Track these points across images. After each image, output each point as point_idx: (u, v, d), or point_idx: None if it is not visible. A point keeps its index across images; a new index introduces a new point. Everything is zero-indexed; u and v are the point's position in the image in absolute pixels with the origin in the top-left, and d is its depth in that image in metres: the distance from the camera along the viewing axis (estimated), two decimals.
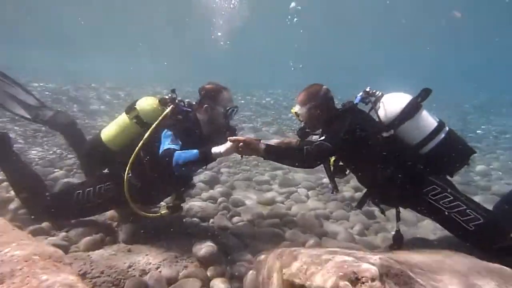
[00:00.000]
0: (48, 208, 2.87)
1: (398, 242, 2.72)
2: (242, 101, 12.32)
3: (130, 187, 2.70)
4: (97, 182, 2.93)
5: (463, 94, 19.88)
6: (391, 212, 2.89)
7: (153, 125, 2.71)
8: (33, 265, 1.89)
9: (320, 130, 2.88)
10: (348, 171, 2.91)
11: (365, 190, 2.90)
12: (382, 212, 2.92)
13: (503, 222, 2.51)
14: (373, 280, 1.39)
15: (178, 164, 2.53)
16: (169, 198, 3.22)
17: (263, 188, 4.80)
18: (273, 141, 3.21)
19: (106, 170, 3.10)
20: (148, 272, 2.47)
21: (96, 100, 10.05)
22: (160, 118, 2.75)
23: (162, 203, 3.25)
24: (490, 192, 5.06)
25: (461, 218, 2.40)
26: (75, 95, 10.27)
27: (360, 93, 2.82)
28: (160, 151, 2.64)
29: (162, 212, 2.86)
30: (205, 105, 2.93)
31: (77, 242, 2.81)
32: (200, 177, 4.69)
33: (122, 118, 2.96)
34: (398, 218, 2.78)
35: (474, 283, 1.71)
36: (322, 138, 2.57)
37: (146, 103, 2.94)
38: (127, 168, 2.67)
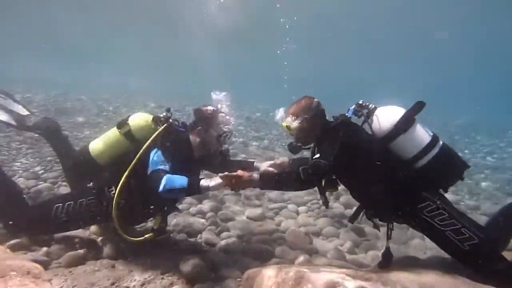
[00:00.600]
0: (26, 222, 2.76)
1: (387, 261, 2.68)
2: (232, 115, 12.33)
3: (116, 206, 2.62)
4: (78, 196, 2.83)
5: (449, 113, 20.20)
6: (382, 230, 2.85)
7: (146, 144, 2.66)
8: (10, 282, 1.81)
9: (312, 144, 2.85)
10: (339, 184, 2.87)
11: (357, 205, 2.86)
12: (376, 227, 2.88)
13: (498, 241, 2.49)
14: None
15: (165, 189, 2.47)
16: (151, 219, 3.11)
17: (253, 203, 4.74)
18: (266, 163, 3.15)
19: (90, 184, 2.98)
20: None
21: (85, 112, 9.94)
22: (152, 136, 2.69)
23: (148, 223, 3.16)
24: (479, 212, 5.09)
25: (456, 237, 2.35)
26: (65, 107, 10.16)
27: (353, 106, 2.77)
28: (149, 171, 2.58)
29: (147, 236, 2.76)
30: (199, 128, 2.89)
31: (59, 258, 2.71)
32: None
33: (113, 133, 2.91)
34: (389, 236, 2.73)
35: None
36: (317, 156, 2.52)
37: (139, 119, 2.89)
38: (117, 190, 2.59)
